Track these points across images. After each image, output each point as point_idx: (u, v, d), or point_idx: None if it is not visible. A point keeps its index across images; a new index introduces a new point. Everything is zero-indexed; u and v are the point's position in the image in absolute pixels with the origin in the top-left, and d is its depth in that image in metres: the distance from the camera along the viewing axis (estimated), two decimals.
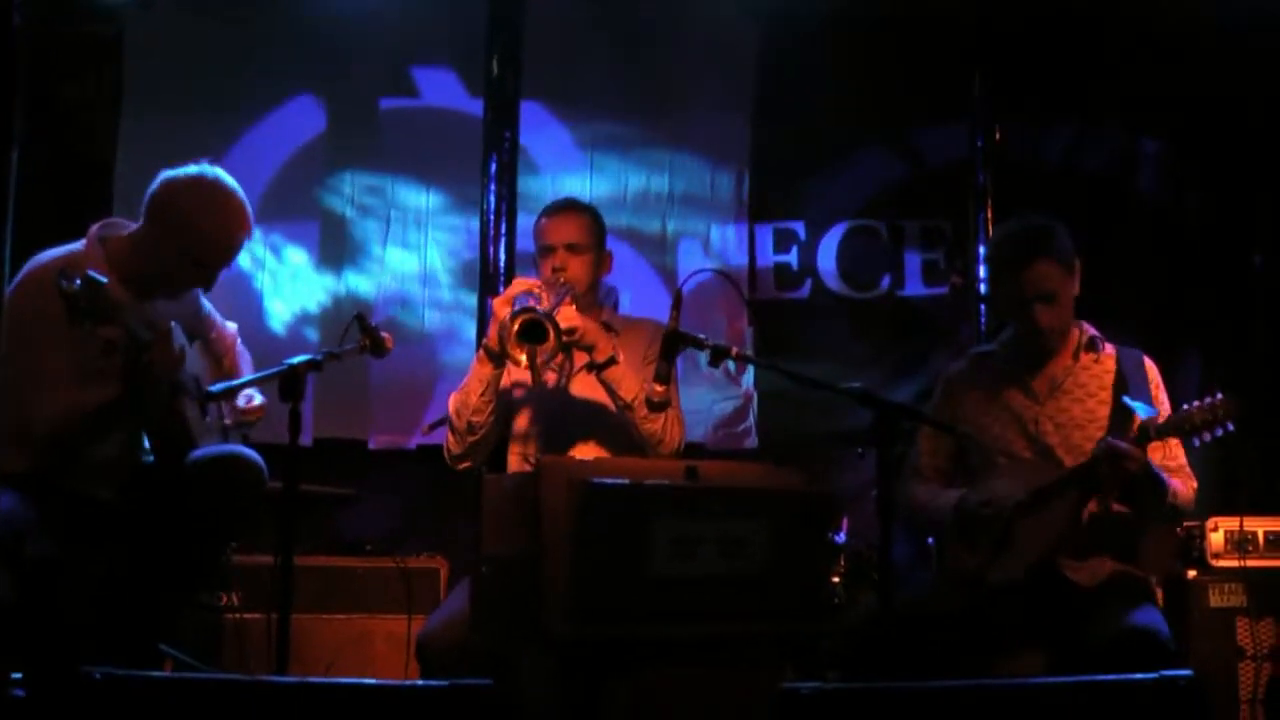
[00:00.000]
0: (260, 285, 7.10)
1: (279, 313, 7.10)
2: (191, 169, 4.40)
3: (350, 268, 7.17)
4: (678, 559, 3.35)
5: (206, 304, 4.78)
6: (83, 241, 4.37)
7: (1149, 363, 4.52)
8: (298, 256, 7.16)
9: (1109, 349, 4.56)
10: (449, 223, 7.21)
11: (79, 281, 3.84)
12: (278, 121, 7.20)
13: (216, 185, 4.39)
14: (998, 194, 6.92)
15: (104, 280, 3.90)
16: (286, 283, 7.14)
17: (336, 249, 7.17)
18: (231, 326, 4.89)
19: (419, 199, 7.23)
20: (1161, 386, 4.50)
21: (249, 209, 4.44)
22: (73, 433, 4.18)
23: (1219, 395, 4.15)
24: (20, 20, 3.63)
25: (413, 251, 7.19)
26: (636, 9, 7.26)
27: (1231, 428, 4.14)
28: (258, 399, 4.67)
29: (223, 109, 7.07)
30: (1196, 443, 4.23)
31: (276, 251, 7.13)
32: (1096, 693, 3.14)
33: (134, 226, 4.44)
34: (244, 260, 6.99)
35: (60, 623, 3.99)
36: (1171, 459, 4.42)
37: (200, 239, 4.34)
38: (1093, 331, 4.58)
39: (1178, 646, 4.14)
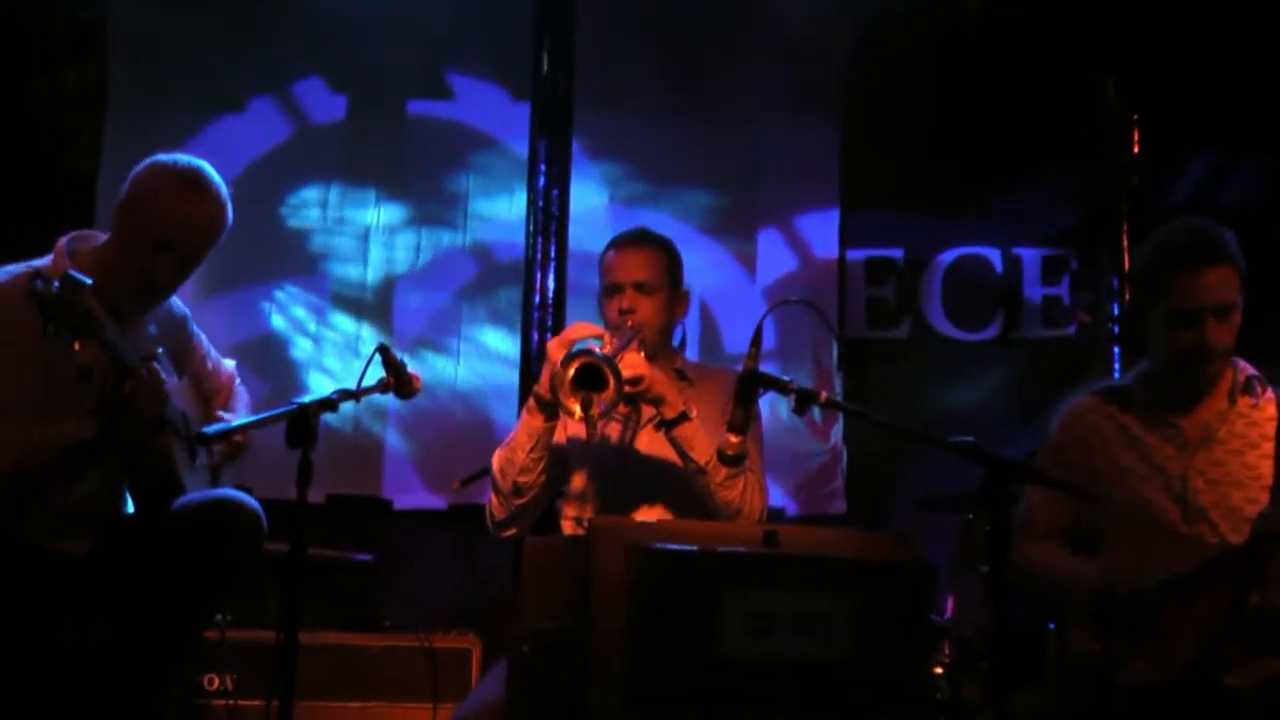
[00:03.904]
0: (299, 355, 7.16)
1: (324, 389, 7.01)
2: (149, 159, 4.43)
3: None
4: (750, 638, 3.30)
5: (201, 336, 4.79)
6: (49, 256, 4.37)
7: None
8: (344, 321, 7.22)
9: (1269, 394, 4.37)
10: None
11: (58, 284, 3.82)
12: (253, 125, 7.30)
13: (172, 162, 4.40)
14: (1133, 221, 6.87)
15: (88, 282, 3.86)
16: (332, 352, 7.18)
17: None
18: (229, 364, 4.89)
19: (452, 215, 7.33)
20: None
21: (215, 183, 4.41)
22: (34, 473, 4.14)
23: None
24: None
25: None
26: (701, 5, 7.32)
27: None
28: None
29: (221, 107, 7.20)
30: None
31: (320, 314, 7.18)
32: None
33: (105, 238, 4.45)
34: (279, 322, 7.05)
35: (20, 703, 3.97)
36: None
37: (157, 214, 4.30)
38: (1250, 371, 4.40)
39: None
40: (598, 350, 4.29)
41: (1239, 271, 4.24)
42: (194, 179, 4.37)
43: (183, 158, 4.42)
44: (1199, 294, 4.20)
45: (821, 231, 7.28)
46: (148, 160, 4.41)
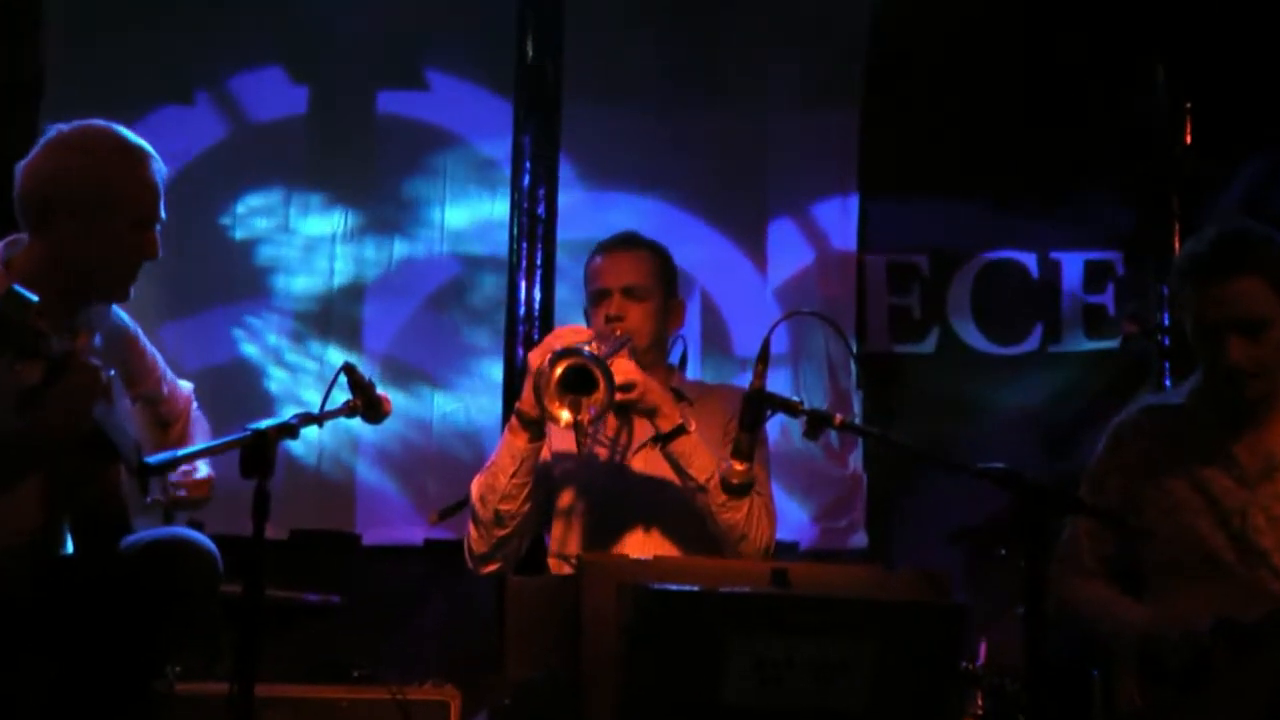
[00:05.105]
0: (270, 386, 7.16)
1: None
2: (40, 143, 4.39)
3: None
4: (759, 687, 3.29)
5: (155, 352, 4.77)
6: None
7: None
8: (307, 344, 7.22)
9: None
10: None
11: (0, 301, 3.81)
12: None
13: (106, 134, 4.38)
14: (1185, 220, 6.84)
15: (34, 299, 3.84)
16: (309, 379, 7.15)
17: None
18: (186, 386, 4.87)
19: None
20: None
21: (133, 135, 4.44)
22: None
23: None
24: None
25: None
26: None
27: None
28: (202, 470, 4.61)
29: (165, 97, 7.18)
30: None
31: (280, 337, 7.17)
32: None
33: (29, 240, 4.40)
34: (250, 348, 7.05)
35: None
36: None
37: (135, 190, 4.29)
38: None
39: None
40: (586, 350, 4.27)
41: (1271, 280, 4.14)
42: (137, 144, 4.38)
43: (111, 128, 4.40)
44: (1217, 308, 4.15)
45: (839, 221, 7.30)
46: (72, 144, 4.35)
